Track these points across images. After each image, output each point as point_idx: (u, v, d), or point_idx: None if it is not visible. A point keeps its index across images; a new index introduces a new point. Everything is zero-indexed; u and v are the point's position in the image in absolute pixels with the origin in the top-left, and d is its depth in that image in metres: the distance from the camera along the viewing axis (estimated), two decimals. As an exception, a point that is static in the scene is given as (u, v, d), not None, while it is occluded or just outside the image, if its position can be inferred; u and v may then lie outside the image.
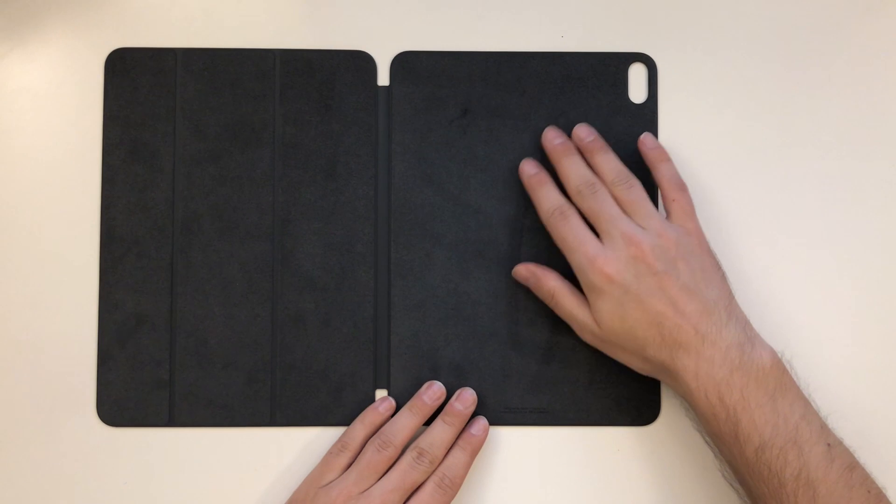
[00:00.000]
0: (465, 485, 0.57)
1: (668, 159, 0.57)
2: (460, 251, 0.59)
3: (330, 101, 0.59)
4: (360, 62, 0.60)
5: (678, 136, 0.60)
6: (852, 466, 0.50)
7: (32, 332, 0.58)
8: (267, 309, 0.58)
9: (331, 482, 0.54)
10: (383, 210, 0.59)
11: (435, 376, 0.58)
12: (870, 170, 0.59)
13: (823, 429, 0.51)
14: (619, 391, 0.58)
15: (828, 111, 0.60)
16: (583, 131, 0.57)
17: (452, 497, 0.55)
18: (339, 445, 0.56)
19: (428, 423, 0.57)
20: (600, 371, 0.58)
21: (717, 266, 0.54)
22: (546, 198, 0.56)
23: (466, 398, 0.57)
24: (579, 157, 0.57)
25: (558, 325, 0.57)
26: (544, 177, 0.57)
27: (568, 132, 0.59)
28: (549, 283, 0.56)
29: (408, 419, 0.56)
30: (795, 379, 0.52)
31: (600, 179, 0.55)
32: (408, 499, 0.54)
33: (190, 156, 0.59)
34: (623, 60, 0.60)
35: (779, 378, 0.51)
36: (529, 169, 0.57)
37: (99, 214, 0.59)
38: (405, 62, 0.60)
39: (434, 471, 0.55)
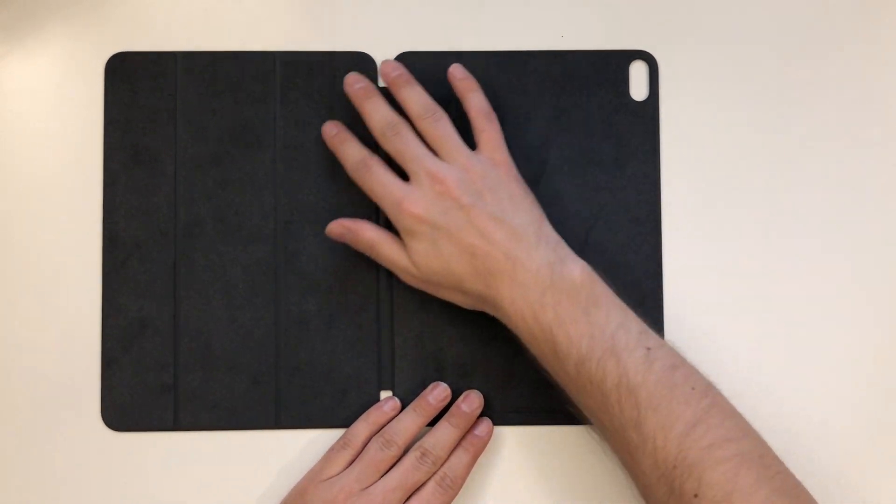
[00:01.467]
0: (469, 484, 0.57)
1: (476, 89, 0.56)
2: (463, 251, 0.59)
3: (331, 103, 0.59)
4: (361, 63, 0.60)
5: (680, 132, 0.59)
6: (675, 366, 0.49)
7: (36, 337, 0.58)
8: (270, 311, 0.58)
9: (332, 477, 0.54)
10: (385, 211, 0.59)
11: (440, 377, 0.58)
12: (872, 168, 0.59)
13: (643, 334, 0.50)
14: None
15: (829, 108, 0.60)
16: (388, 66, 0.57)
17: (453, 497, 0.55)
18: (341, 442, 0.56)
19: (431, 424, 0.57)
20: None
21: (526, 192, 0.54)
22: (348, 153, 0.56)
23: (473, 400, 0.57)
24: (380, 98, 0.56)
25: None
26: (345, 135, 0.57)
27: (569, 132, 0.59)
28: (365, 234, 0.56)
29: (412, 419, 0.56)
30: (610, 290, 0.52)
31: (407, 114, 0.55)
32: (408, 498, 0.54)
33: (191, 159, 0.59)
34: (624, 58, 0.60)
35: (590, 290, 0.51)
36: (331, 129, 0.57)
37: (101, 219, 0.59)
38: (405, 62, 0.59)
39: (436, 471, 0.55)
